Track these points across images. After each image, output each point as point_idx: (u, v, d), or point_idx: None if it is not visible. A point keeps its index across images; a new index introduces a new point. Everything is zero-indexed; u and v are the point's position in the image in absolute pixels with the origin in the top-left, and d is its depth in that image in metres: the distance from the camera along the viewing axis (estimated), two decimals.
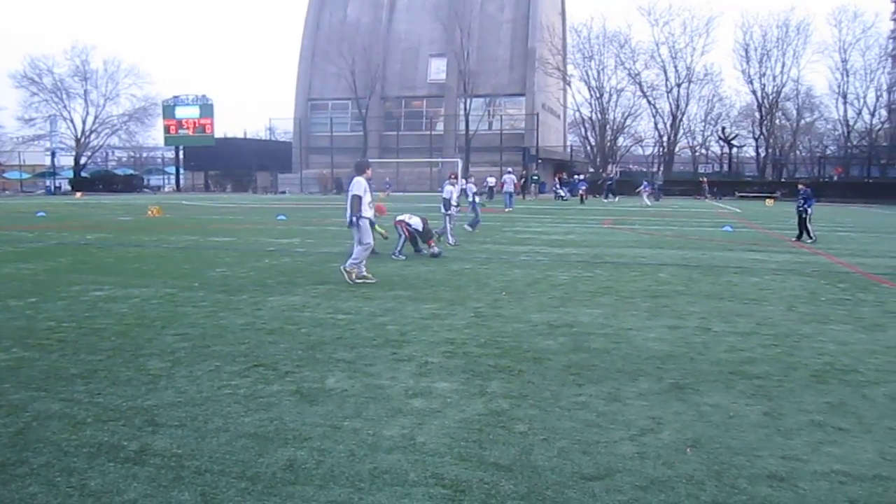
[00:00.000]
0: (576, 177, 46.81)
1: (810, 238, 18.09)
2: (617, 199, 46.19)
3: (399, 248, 14.06)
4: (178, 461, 4.16)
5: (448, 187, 17.43)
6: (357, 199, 10.71)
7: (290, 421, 4.82)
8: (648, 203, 41.11)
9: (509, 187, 35.73)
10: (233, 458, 4.21)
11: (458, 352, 6.71)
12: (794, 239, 18.47)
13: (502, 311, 8.75)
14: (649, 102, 66.35)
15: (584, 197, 44.08)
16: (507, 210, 32.91)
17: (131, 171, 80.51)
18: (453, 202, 17.15)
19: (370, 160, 12.22)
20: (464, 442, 4.48)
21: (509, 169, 43.92)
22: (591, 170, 63.62)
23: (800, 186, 19.44)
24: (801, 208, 18.39)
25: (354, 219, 10.80)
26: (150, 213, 28.35)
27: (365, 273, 10.98)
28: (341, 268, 10.96)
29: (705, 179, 56.02)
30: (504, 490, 3.81)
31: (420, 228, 14.23)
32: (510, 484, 3.89)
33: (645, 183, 45.31)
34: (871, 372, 6.16)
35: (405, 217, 14.45)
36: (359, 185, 10.80)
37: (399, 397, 5.34)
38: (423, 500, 3.70)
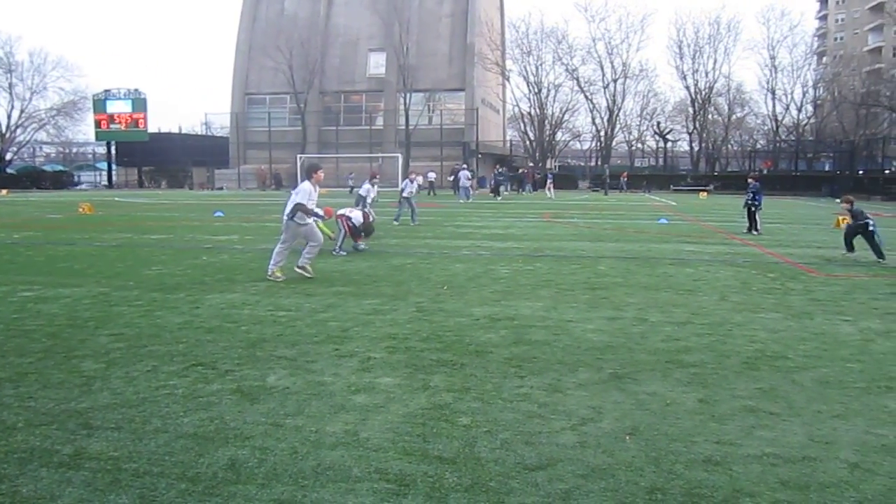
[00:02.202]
0: (497, 168, 47.01)
1: (756, 230, 18.54)
2: (504, 195, 46.47)
3: (340, 244, 13.96)
4: (115, 464, 4.06)
5: (366, 186, 17.75)
6: (300, 207, 10.54)
7: (231, 420, 4.76)
8: (552, 196, 42.11)
9: (465, 182, 37.43)
10: (172, 459, 4.13)
11: (400, 347, 6.71)
12: (745, 231, 18.86)
13: (444, 305, 8.78)
14: (586, 98, 67.32)
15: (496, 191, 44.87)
16: (461, 202, 35.07)
17: (61, 168, 77.80)
18: (368, 200, 17.32)
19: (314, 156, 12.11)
20: (407, 436, 4.49)
21: (464, 165, 44.48)
22: (531, 164, 64.16)
23: (749, 180, 19.76)
24: (750, 202, 18.78)
25: (287, 217, 10.69)
26: (81, 210, 27.48)
27: (277, 271, 10.83)
28: (295, 268, 10.88)
29: (626, 174, 57.16)
30: (448, 483, 3.84)
31: (359, 223, 14.13)
32: (454, 476, 3.91)
33: (549, 175, 46.61)
34: (799, 358, 6.39)
35: (346, 211, 14.35)
36: (304, 192, 10.60)
37: (342, 393, 5.32)
38: (367, 494, 3.70)
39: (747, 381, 5.66)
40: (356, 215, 14.23)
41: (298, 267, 10.83)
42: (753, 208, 18.68)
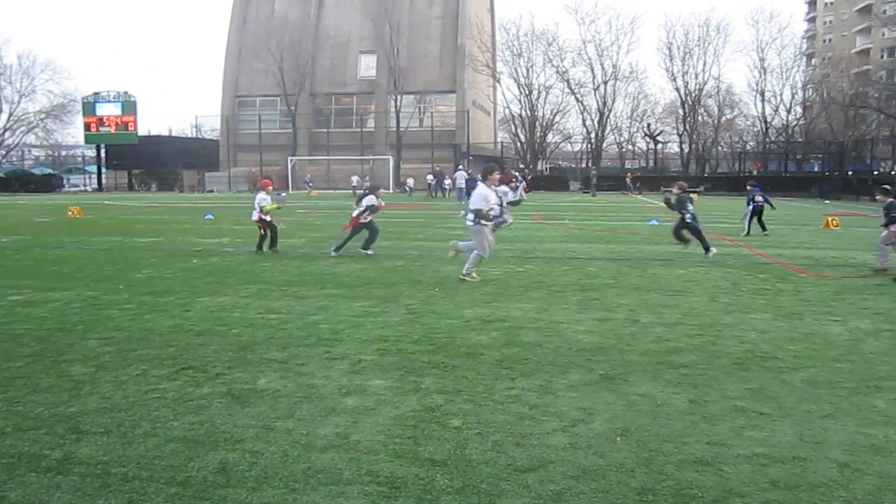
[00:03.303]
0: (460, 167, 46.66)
1: (746, 233, 18.53)
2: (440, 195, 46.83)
3: (338, 247, 13.85)
4: (103, 468, 4.04)
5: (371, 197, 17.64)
6: (478, 212, 10.51)
7: (222, 423, 4.74)
8: (524, 196, 42.23)
9: (461, 183, 37.76)
10: (162, 463, 4.11)
11: (391, 349, 6.70)
12: (763, 234, 18.72)
13: (435, 307, 8.78)
14: (577, 99, 67.46)
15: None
16: (461, 202, 34.72)
17: (50, 171, 77.35)
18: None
19: (492, 164, 11.79)
20: (398, 438, 4.48)
21: (460, 166, 44.54)
22: (522, 166, 64.20)
23: (748, 186, 19.59)
24: (760, 204, 18.68)
25: (471, 223, 10.68)
26: (70, 213, 27.34)
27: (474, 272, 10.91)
28: (460, 275, 10.87)
29: (629, 174, 56.98)
30: (439, 485, 3.83)
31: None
32: (445, 478, 3.91)
33: (520, 178, 46.39)
34: (789, 358, 6.42)
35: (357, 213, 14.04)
36: (481, 196, 10.61)
37: (332, 396, 5.31)
38: (358, 497, 3.69)
39: (737, 382, 5.68)
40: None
41: (463, 275, 10.85)
42: (759, 209, 18.65)
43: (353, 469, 4.03)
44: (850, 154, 57.74)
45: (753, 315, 8.33)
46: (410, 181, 51.17)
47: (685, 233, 14.28)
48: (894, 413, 4.98)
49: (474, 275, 10.85)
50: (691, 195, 14.41)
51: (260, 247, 14.54)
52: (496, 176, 11.04)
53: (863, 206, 31.41)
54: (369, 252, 13.94)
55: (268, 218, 14.48)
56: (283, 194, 13.68)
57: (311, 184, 54.23)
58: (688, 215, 13.95)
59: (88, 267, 12.53)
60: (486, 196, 10.65)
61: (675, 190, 14.60)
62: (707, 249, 13.75)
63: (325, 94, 66.46)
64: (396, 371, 5.97)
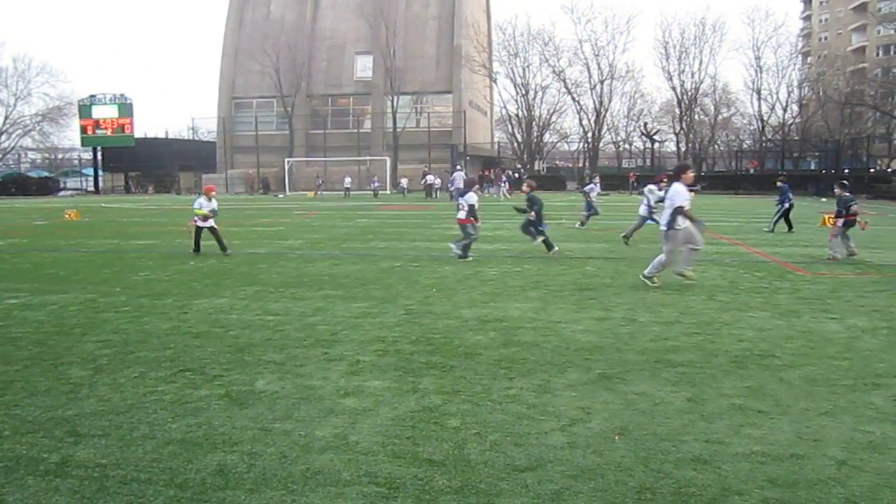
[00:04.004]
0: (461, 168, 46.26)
1: (770, 230, 18.65)
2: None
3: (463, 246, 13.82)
4: (102, 471, 4.03)
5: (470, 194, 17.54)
6: (681, 211, 10.00)
7: (220, 425, 4.73)
8: (508, 196, 42.18)
9: (459, 184, 37.69)
10: (160, 465, 4.11)
11: (389, 350, 6.70)
12: (788, 231, 18.90)
13: (433, 307, 8.78)
14: (573, 99, 67.44)
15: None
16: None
17: (46, 174, 77.18)
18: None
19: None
20: (397, 439, 4.48)
21: (458, 166, 44.47)
22: (519, 166, 64.19)
23: (778, 183, 19.67)
24: (790, 203, 18.79)
25: (665, 228, 10.17)
26: (67, 216, 27.30)
27: (684, 271, 10.39)
28: (641, 275, 10.40)
29: (634, 174, 56.59)
30: (438, 485, 3.83)
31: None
32: (444, 479, 3.91)
33: (504, 179, 46.14)
34: (787, 356, 6.42)
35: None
36: (681, 195, 10.09)
37: (331, 397, 5.30)
38: (356, 498, 3.69)
39: (735, 380, 5.69)
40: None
41: (677, 273, 10.34)
42: (788, 207, 18.75)
43: (351, 470, 4.03)
44: (847, 152, 57.81)
45: (751, 313, 8.34)
46: (404, 181, 51.84)
47: (532, 229, 14.50)
48: (891, 410, 4.99)
49: (656, 280, 10.23)
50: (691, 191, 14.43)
51: (197, 248, 14.58)
52: (690, 175, 10.56)
53: (860, 204, 31.42)
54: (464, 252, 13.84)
55: (208, 223, 14.53)
56: (213, 204, 13.87)
57: (322, 183, 54.16)
58: (532, 213, 14.26)
59: (85, 270, 12.52)
60: (684, 194, 10.13)
61: (524, 188, 14.88)
62: (535, 239, 14.28)
63: (322, 95, 66.39)
64: (395, 372, 5.97)
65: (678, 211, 10.00)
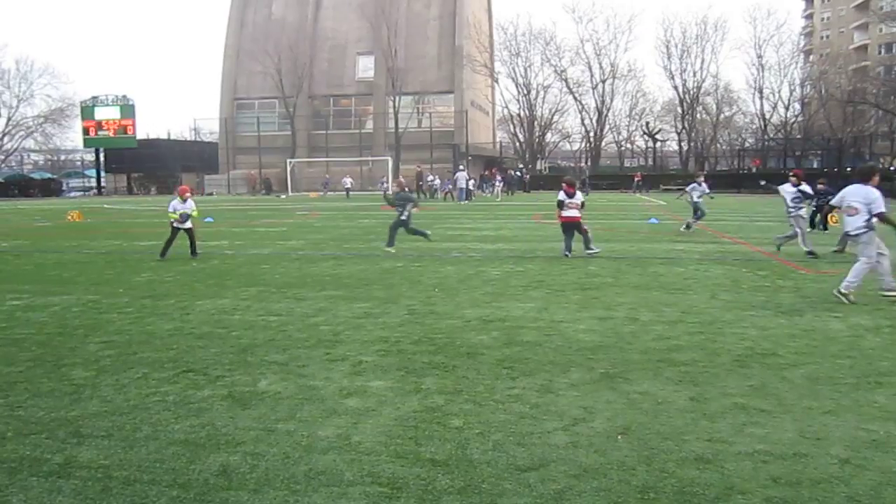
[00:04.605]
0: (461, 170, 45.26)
1: (823, 229, 18.26)
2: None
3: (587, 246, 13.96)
4: (105, 472, 4.04)
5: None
6: (881, 215, 8.97)
7: (223, 426, 4.74)
8: (508, 195, 42.07)
9: (462, 183, 38.12)
10: (163, 466, 4.11)
11: (392, 350, 6.71)
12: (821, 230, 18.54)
13: (435, 307, 8.78)
14: (575, 98, 67.59)
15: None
16: (462, 203, 36.99)
17: (49, 175, 77.32)
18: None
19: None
20: (399, 439, 4.48)
21: (461, 166, 44.42)
22: (521, 165, 64.20)
23: (820, 186, 19.21)
24: (824, 202, 18.20)
25: (857, 232, 9.13)
26: (69, 217, 27.34)
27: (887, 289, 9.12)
28: (835, 291, 9.05)
29: (639, 174, 56.30)
30: (440, 485, 3.83)
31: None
32: (447, 479, 3.91)
33: (499, 178, 45.61)
34: (790, 355, 6.42)
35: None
36: (880, 198, 9.03)
37: (333, 397, 5.31)
38: (359, 499, 3.69)
39: (738, 379, 5.68)
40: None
41: (841, 292, 8.92)
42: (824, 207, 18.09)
43: (354, 470, 4.03)
44: (849, 150, 57.76)
45: (754, 312, 8.34)
46: (348, 180, 52.04)
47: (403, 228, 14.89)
48: (895, 408, 4.98)
49: (852, 297, 8.89)
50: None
51: (164, 251, 14.19)
52: (877, 178, 9.45)
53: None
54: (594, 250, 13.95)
55: (186, 225, 14.36)
56: (188, 205, 13.92)
57: (328, 185, 54.11)
58: (405, 213, 14.62)
59: (88, 271, 12.54)
60: (881, 199, 9.06)
61: (394, 187, 15.07)
62: (390, 244, 14.79)
63: (324, 95, 66.46)
64: (397, 372, 5.98)
65: (881, 217, 8.99)
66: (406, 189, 14.67)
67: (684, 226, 19.39)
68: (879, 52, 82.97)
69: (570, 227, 14.04)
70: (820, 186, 18.78)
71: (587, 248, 13.90)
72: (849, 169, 51.81)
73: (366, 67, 65.87)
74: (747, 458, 4.14)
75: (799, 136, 65.77)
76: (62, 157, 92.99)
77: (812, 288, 9.99)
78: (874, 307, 8.55)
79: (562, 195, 14.13)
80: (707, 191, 19.69)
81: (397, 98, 61.43)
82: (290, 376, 5.87)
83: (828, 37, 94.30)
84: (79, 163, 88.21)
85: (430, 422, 4.78)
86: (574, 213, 13.98)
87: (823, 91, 65.19)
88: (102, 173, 68.55)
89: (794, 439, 4.43)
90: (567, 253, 13.83)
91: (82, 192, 70.45)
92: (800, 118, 67.93)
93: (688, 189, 19.87)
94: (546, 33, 69.09)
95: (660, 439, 4.44)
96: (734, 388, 5.44)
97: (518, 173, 55.08)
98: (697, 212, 19.01)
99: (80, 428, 4.73)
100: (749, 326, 7.57)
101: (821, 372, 5.87)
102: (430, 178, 47.88)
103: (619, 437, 4.49)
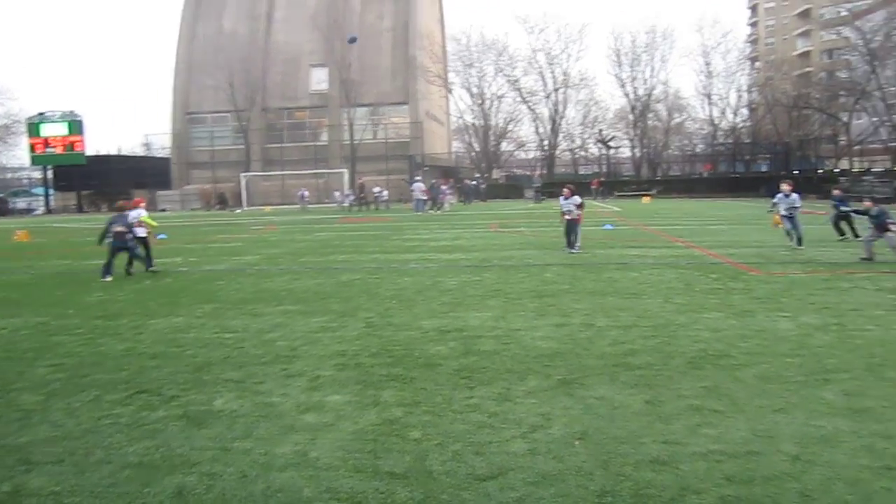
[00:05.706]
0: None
1: (856, 236, 16.80)
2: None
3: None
4: (56, 499, 3.95)
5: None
6: None
7: (178, 447, 4.66)
8: (447, 207, 41.93)
9: (419, 194, 37.82)
10: (116, 490, 4.03)
11: (349, 363, 6.68)
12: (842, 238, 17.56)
13: (393, 319, 8.76)
14: (529, 108, 68.12)
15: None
16: (418, 213, 36.37)
17: None
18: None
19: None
20: (358, 453, 4.46)
21: (417, 177, 44.09)
22: (477, 175, 64.46)
23: (834, 193, 18.75)
24: (848, 212, 17.29)
25: None
26: (16, 237, 26.64)
27: None
28: None
29: (597, 181, 56.41)
30: (400, 498, 3.83)
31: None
32: (406, 491, 3.91)
33: (443, 188, 44.86)
34: (742, 355, 6.56)
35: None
36: None
37: (291, 414, 5.26)
38: None
39: (692, 381, 5.78)
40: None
41: None
42: (848, 214, 17.36)
43: (312, 486, 4.00)
44: (796, 154, 59.26)
45: (706, 314, 8.49)
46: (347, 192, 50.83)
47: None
48: (842, 404, 5.12)
49: None
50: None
51: (130, 263, 14.42)
52: None
53: (810, 205, 32.09)
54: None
55: (141, 233, 14.64)
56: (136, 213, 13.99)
57: (305, 198, 52.76)
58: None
59: (37, 292, 12.23)
60: None
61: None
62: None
63: (278, 108, 65.91)
64: (355, 385, 5.95)
65: None
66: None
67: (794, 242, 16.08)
68: (821, 59, 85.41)
69: (572, 226, 15.91)
70: (836, 192, 18.52)
71: (572, 246, 15.72)
72: (796, 172, 53.24)
73: (319, 80, 65.54)
74: (701, 459, 4.22)
75: (748, 141, 67.26)
76: (8, 176, 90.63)
77: (763, 289, 10.22)
78: (821, 306, 8.78)
79: (562, 199, 16.11)
80: (798, 204, 16.42)
81: (352, 110, 61.26)
82: (246, 394, 5.80)
83: (772, 44, 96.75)
84: (26, 181, 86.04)
85: (389, 434, 4.77)
86: (574, 213, 15.81)
87: (770, 96, 66.74)
88: (51, 191, 66.98)
89: (746, 438, 4.53)
90: (571, 250, 15.59)
91: (29, 213, 68.71)
92: (748, 123, 69.49)
93: (774, 200, 17.22)
94: (499, 44, 69.55)
95: (616, 443, 4.49)
96: (688, 390, 5.53)
97: (474, 183, 55.23)
98: (796, 228, 16.03)
99: (29, 455, 4.61)
100: (702, 329, 7.71)
101: (771, 371, 6.01)
102: (377, 189, 47.29)
103: (577, 442, 4.54)
